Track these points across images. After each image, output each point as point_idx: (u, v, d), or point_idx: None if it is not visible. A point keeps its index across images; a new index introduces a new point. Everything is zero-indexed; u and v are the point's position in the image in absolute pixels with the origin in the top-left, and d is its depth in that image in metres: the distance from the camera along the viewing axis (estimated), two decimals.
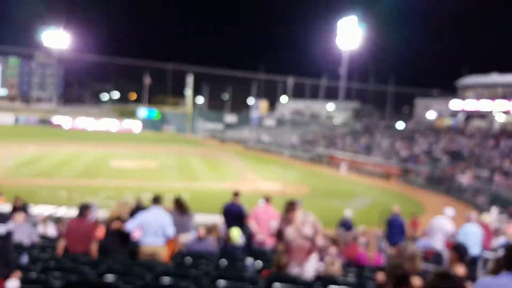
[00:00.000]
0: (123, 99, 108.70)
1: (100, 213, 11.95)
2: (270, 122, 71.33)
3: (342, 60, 63.15)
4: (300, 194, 24.27)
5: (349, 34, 60.66)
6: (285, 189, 26.59)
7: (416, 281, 3.61)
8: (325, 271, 5.12)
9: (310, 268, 5.52)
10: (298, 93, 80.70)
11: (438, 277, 2.45)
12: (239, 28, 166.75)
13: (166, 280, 4.21)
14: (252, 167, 37.87)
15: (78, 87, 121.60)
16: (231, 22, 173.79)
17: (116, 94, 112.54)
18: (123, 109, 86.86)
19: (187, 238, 8.51)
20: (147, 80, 78.18)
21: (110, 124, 71.73)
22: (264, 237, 8.41)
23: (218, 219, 11.30)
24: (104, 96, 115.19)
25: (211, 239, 9.31)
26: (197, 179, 29.22)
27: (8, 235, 4.20)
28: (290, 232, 5.68)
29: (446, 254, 5.48)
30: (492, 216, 20.08)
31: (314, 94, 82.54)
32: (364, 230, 11.53)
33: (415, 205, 24.86)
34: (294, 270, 5.23)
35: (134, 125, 72.89)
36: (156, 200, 7.80)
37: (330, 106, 74.06)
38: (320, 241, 5.84)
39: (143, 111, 75.88)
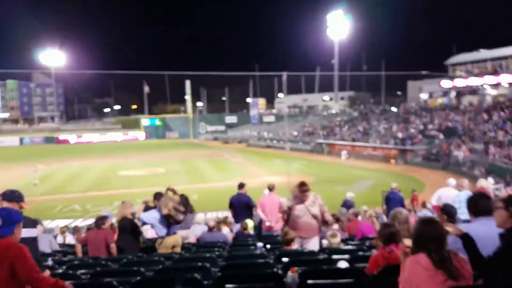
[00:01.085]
0: (125, 111, 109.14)
1: (115, 220, 12.29)
2: (269, 118, 71.61)
3: (334, 51, 63.61)
4: None
5: (338, 26, 61.60)
6: (290, 180, 26.86)
7: (407, 242, 3.85)
8: (327, 243, 5.42)
9: (313, 246, 5.87)
10: (294, 89, 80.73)
11: (423, 223, 2.67)
12: (232, 31, 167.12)
13: (182, 264, 4.46)
14: (256, 163, 38.19)
15: (79, 104, 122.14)
16: (223, 24, 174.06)
17: (117, 107, 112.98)
18: (126, 120, 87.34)
19: (186, 234, 8.79)
20: (146, 89, 78.46)
21: (115, 136, 72.24)
22: (272, 222, 8.70)
23: (228, 214, 11.60)
24: (106, 110, 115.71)
25: (225, 230, 9.61)
26: (204, 181, 29.51)
27: (36, 238, 4.54)
28: (298, 209, 6.02)
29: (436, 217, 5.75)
30: (489, 183, 20.32)
31: (309, 88, 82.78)
32: (366, 209, 11.83)
33: (415, 183, 25.11)
34: (294, 246, 5.58)
35: (138, 135, 73.36)
36: (158, 196, 8.04)
37: (326, 97, 74.28)
38: (328, 217, 6.33)
39: (145, 121, 76.32)
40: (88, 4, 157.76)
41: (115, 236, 7.17)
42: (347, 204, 10.58)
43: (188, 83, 76.99)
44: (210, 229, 8.77)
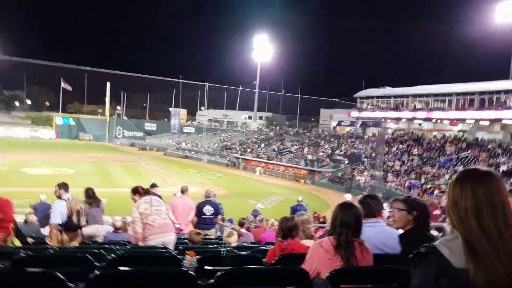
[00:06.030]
0: (37, 107, 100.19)
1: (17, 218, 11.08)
2: (189, 129, 70.86)
3: (256, 73, 65.71)
4: (218, 195, 24.37)
5: (262, 49, 63.78)
6: (204, 191, 26.59)
7: (306, 242, 3.91)
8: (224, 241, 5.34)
9: None
10: (216, 104, 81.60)
11: (343, 206, 2.66)
12: (161, 41, 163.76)
13: (75, 249, 4.12)
14: (172, 171, 37.27)
15: None
16: (151, 33, 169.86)
17: (28, 102, 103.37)
18: (37, 116, 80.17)
19: (95, 230, 8.24)
20: (64, 86, 72.63)
21: (22, 132, 65.88)
22: (182, 225, 8.49)
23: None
24: (16, 104, 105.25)
25: (131, 232, 9.10)
26: (115, 185, 27.98)
27: None
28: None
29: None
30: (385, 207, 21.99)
31: (230, 106, 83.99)
32: (273, 221, 12.09)
33: (320, 202, 26.36)
34: None
35: (48, 133, 67.73)
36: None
37: (245, 115, 75.87)
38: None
39: (58, 119, 70.85)
40: None
41: None
42: (254, 213, 10.82)
43: (108, 85, 73.32)
44: (117, 229, 8.29)
